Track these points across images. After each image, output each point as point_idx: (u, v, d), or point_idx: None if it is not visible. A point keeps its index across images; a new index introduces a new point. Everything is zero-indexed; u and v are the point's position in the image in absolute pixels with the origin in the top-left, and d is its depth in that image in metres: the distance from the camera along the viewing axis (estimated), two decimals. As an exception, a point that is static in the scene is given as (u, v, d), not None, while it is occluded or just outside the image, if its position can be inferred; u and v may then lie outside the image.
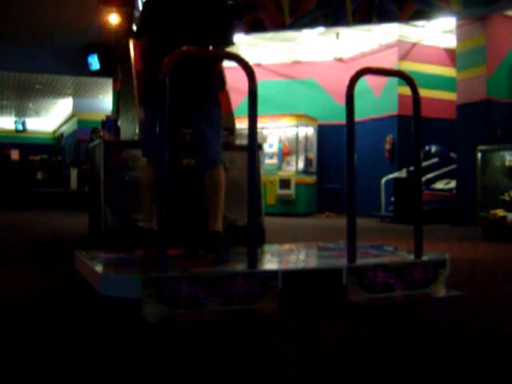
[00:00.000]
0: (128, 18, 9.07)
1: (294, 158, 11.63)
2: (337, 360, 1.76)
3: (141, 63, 3.38)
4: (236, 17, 9.13)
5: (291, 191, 11.17)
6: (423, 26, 9.97)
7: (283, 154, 11.74)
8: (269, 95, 10.64)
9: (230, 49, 3.39)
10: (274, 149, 11.76)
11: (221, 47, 3.33)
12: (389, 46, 10.93)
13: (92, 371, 1.64)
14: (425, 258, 2.90)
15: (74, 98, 18.21)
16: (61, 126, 23.47)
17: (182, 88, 3.01)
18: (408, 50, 10.83)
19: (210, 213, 3.20)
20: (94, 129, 9.03)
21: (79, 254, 3.10)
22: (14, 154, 22.83)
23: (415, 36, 10.61)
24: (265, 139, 11.52)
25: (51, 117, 22.87)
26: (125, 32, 8.75)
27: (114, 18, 9.62)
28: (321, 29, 9.90)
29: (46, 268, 3.69)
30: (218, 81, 3.43)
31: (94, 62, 12.41)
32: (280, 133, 11.80)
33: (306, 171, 11.56)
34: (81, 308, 2.51)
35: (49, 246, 5.20)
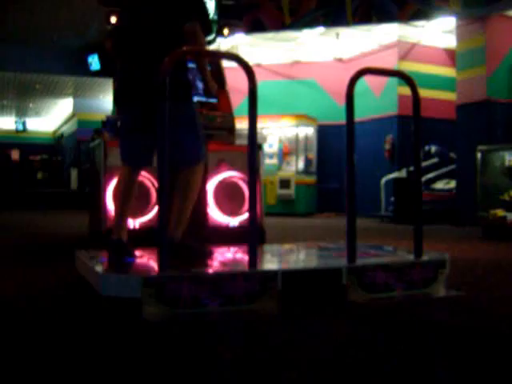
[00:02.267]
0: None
1: (293, 158, 11.64)
2: (337, 360, 1.76)
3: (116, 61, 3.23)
4: (236, 17, 9.15)
5: (291, 191, 11.18)
6: (423, 26, 9.98)
7: (283, 154, 11.76)
8: (269, 95, 10.65)
9: (230, 49, 3.32)
10: (274, 149, 11.77)
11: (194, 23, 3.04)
12: (389, 46, 10.94)
13: (92, 371, 1.64)
14: (425, 258, 2.90)
15: (74, 98, 18.21)
16: (61, 126, 23.46)
17: (151, 89, 2.85)
18: (408, 50, 10.84)
19: (175, 216, 2.91)
20: (97, 130, 9.02)
21: (79, 253, 3.10)
22: (15, 154, 22.83)
23: (415, 36, 10.62)
24: (265, 139, 11.53)
25: (51, 117, 22.86)
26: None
27: (113, 18, 9.61)
28: (321, 29, 9.91)
29: (46, 268, 3.70)
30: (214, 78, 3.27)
31: (94, 62, 12.40)
32: (280, 133, 11.81)
33: (305, 171, 11.57)
34: (81, 308, 2.51)
35: (49, 245, 5.20)
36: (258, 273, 2.46)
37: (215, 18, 8.66)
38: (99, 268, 2.64)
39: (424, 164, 8.55)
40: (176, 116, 2.95)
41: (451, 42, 9.80)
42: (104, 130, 4.84)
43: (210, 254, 3.00)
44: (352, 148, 2.79)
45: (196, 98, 4.51)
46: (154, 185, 4.23)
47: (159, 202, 2.45)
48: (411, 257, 2.93)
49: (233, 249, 3.41)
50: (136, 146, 3.04)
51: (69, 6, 10.07)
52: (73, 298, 2.73)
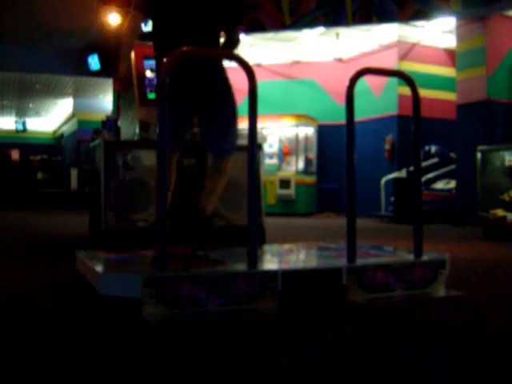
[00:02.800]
0: (127, 18, 9.07)
1: (294, 157, 11.64)
2: (337, 360, 1.76)
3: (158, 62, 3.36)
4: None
5: (291, 191, 11.18)
6: (423, 26, 9.98)
7: (283, 154, 11.75)
8: (269, 95, 10.65)
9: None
10: (274, 149, 11.77)
11: (235, 29, 3.38)
12: (389, 46, 10.94)
13: (92, 371, 1.64)
14: (425, 257, 2.90)
15: (74, 97, 18.22)
16: (61, 126, 23.47)
17: (192, 82, 3.04)
18: (408, 50, 10.84)
19: (207, 194, 3.27)
20: (96, 129, 9.05)
21: (79, 253, 3.10)
22: (15, 154, 22.85)
23: (415, 36, 10.62)
24: (265, 139, 11.53)
25: (51, 117, 22.87)
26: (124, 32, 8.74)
27: (113, 18, 9.63)
28: (321, 29, 9.91)
29: (46, 268, 3.69)
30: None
31: (94, 62, 12.41)
32: (280, 133, 11.81)
33: (305, 171, 11.56)
34: (81, 308, 2.51)
35: (49, 245, 5.20)
36: (258, 273, 2.46)
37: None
38: (99, 268, 2.64)
39: (424, 164, 8.55)
40: (220, 110, 3.29)
41: (451, 41, 9.80)
42: (104, 130, 4.84)
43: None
44: (352, 148, 2.79)
45: None
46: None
47: (158, 199, 2.45)
48: (411, 257, 2.93)
49: (233, 249, 3.41)
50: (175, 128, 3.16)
51: (69, 6, 10.07)
52: (73, 298, 2.73)
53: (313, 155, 11.87)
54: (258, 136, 2.75)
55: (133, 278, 2.34)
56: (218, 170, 3.31)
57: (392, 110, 10.74)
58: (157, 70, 3.47)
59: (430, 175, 9.58)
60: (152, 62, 4.23)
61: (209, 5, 3.22)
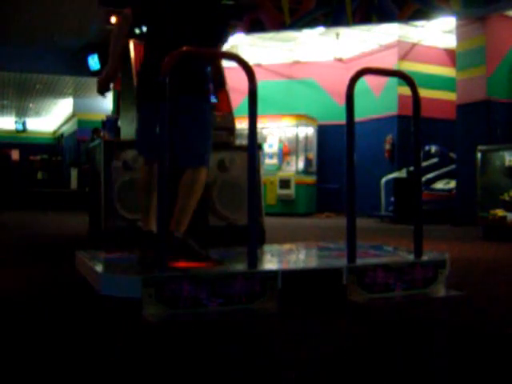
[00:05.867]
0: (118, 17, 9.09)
1: (294, 157, 11.64)
2: (337, 360, 1.76)
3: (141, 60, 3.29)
4: (236, 17, 9.14)
5: (291, 191, 11.18)
6: (423, 26, 9.98)
7: (283, 154, 11.75)
8: (269, 95, 10.64)
9: (225, 48, 3.37)
10: (274, 149, 11.77)
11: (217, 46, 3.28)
12: (389, 46, 10.94)
13: (92, 371, 1.64)
14: (425, 257, 2.90)
15: (74, 98, 18.20)
16: (61, 126, 23.46)
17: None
18: (408, 50, 10.84)
19: (177, 214, 2.87)
20: (95, 129, 9.02)
21: (79, 253, 3.10)
22: (15, 154, 22.83)
23: (415, 36, 10.62)
24: (265, 139, 11.53)
25: (51, 117, 22.85)
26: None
27: (113, 18, 9.62)
28: (321, 29, 9.91)
29: (46, 268, 3.70)
30: (215, 75, 3.34)
31: (94, 62, 12.40)
32: (280, 133, 11.81)
33: (305, 171, 11.56)
34: (81, 308, 2.51)
35: (49, 246, 5.20)
36: (258, 273, 2.46)
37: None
38: (99, 268, 2.65)
39: (424, 164, 8.55)
40: (190, 111, 2.92)
41: (451, 41, 9.80)
42: (103, 130, 4.84)
43: (208, 255, 2.98)
44: (352, 148, 2.79)
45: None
46: None
47: (158, 201, 2.45)
48: (411, 257, 2.93)
49: (233, 249, 3.41)
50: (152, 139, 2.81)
51: (69, 6, 10.07)
52: (73, 298, 2.73)
53: (313, 155, 11.87)
54: (258, 136, 2.75)
55: (133, 279, 2.34)
56: (188, 183, 2.93)
57: (392, 110, 10.74)
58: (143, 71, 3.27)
59: (430, 175, 9.58)
60: None
61: (197, 23, 3.11)
